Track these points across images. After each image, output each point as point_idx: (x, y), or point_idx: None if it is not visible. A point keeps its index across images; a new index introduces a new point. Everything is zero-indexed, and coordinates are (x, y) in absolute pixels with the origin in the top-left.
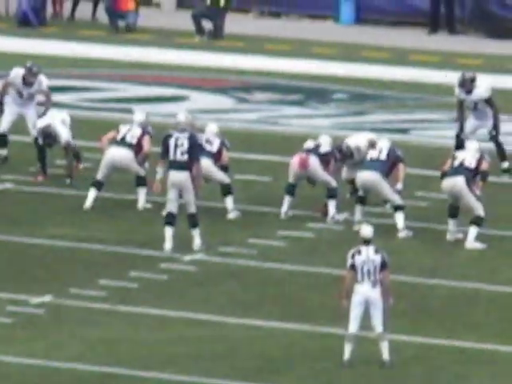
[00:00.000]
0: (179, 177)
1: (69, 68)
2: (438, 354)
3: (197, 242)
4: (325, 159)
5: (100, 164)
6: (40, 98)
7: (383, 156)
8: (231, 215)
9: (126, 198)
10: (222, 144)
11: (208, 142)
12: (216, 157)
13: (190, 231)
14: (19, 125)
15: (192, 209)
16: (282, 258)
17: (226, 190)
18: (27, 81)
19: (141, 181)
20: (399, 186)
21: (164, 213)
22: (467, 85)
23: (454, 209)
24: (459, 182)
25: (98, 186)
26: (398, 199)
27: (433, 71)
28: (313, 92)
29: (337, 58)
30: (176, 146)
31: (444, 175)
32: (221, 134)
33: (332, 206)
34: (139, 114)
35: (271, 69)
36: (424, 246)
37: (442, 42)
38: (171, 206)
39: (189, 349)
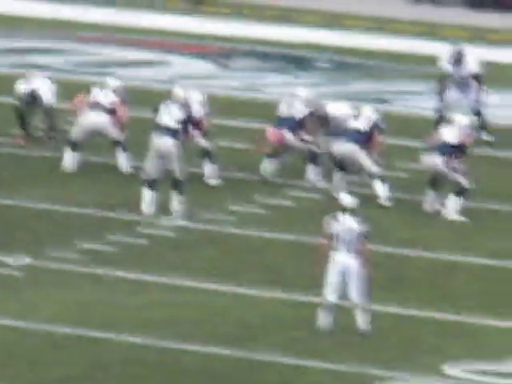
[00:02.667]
0: (165, 143)
1: (51, 30)
2: (414, 325)
3: (176, 205)
4: (301, 124)
5: (76, 125)
6: None
7: (363, 127)
8: (211, 181)
9: (106, 161)
10: (204, 111)
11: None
12: (197, 122)
13: (171, 195)
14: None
15: (178, 174)
16: (261, 224)
17: (207, 155)
18: None
19: (120, 145)
20: (375, 157)
21: (144, 177)
22: (458, 60)
23: (435, 180)
24: (437, 160)
25: (74, 146)
26: (376, 169)
27: (414, 41)
28: (294, 60)
29: (319, 26)
30: (168, 112)
31: (426, 150)
32: (204, 101)
33: (312, 170)
34: (113, 80)
35: (253, 35)
36: (403, 217)
37: (425, 12)
38: (153, 172)
39: (164, 314)
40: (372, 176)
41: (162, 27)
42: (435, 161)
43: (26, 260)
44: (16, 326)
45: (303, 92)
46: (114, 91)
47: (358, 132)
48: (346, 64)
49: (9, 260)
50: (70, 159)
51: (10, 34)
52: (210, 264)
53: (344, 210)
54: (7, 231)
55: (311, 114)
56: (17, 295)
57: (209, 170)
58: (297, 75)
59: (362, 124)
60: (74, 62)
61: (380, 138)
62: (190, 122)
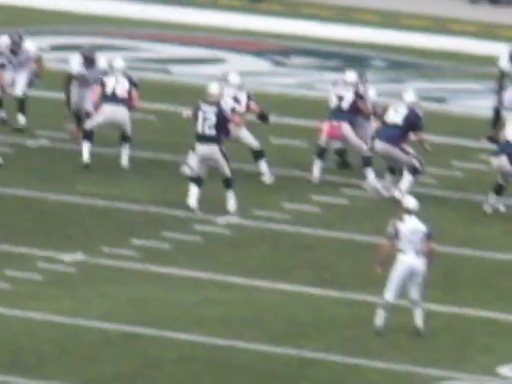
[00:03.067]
0: (207, 150)
1: (107, 26)
2: (468, 325)
3: (231, 203)
4: (355, 105)
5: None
6: (32, 65)
7: (399, 119)
8: (266, 178)
9: (160, 157)
10: (249, 97)
11: (236, 100)
12: (246, 108)
13: (224, 193)
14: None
15: (227, 173)
16: (315, 223)
17: (258, 154)
18: (13, 50)
19: (129, 141)
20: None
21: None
22: None
23: (500, 186)
24: (503, 161)
25: (91, 137)
26: (416, 162)
27: (472, 41)
28: (351, 58)
29: (376, 25)
30: (204, 119)
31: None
32: (243, 85)
33: (369, 173)
34: (119, 60)
35: (309, 33)
36: (458, 216)
37: (483, 12)
38: (198, 171)
39: (217, 311)
40: (407, 168)
41: (218, 24)
42: (501, 162)
43: (81, 257)
44: (69, 322)
45: (350, 77)
46: (124, 73)
47: (394, 126)
48: (402, 63)
49: (63, 257)
50: (89, 152)
51: (63, 30)
52: (263, 262)
53: (408, 211)
54: (61, 228)
55: (359, 96)
56: (70, 292)
57: (263, 167)
58: None
59: (399, 117)
60: (129, 59)
61: (417, 136)
62: (228, 121)
